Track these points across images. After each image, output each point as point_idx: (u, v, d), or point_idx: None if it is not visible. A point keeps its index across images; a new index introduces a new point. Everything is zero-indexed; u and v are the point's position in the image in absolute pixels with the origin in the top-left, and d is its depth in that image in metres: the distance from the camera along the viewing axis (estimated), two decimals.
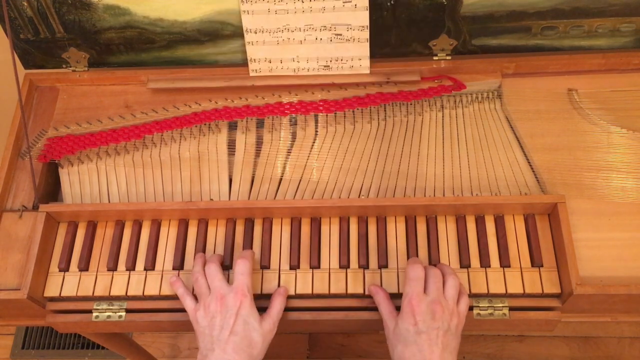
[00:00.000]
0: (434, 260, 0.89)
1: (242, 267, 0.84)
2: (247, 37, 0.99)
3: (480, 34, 1.00)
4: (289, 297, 0.89)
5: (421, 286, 0.80)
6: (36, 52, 1.06)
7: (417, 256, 0.89)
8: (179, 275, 0.91)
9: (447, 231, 0.91)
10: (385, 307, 0.83)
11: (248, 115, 1.02)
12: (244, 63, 1.03)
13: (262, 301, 0.86)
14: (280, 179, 0.97)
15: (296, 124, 1.02)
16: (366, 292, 0.87)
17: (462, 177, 0.95)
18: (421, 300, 0.78)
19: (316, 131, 1.01)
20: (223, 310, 0.81)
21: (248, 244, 0.92)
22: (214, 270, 0.85)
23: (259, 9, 0.96)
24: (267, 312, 0.84)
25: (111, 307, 0.90)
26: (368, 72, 1.02)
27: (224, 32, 1.01)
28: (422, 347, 0.76)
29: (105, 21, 1.00)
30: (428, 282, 0.81)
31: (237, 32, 1.00)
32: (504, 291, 0.86)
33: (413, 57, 1.03)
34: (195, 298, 0.86)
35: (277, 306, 0.85)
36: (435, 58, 1.03)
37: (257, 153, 0.99)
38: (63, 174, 0.99)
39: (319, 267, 0.90)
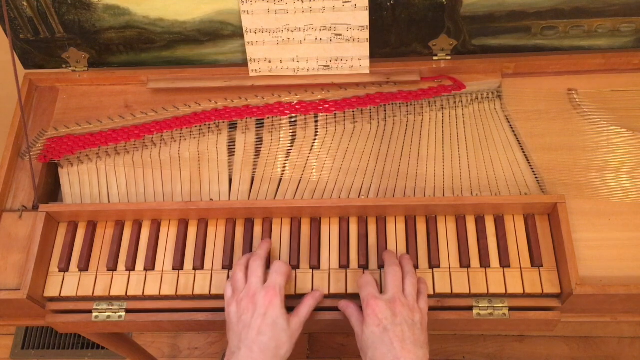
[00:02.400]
0: (434, 260, 0.89)
1: (278, 267, 0.84)
2: (247, 37, 1.00)
3: (480, 34, 1.00)
4: (290, 296, 0.88)
5: (374, 288, 0.81)
6: (36, 52, 1.06)
7: (417, 256, 0.89)
8: (178, 275, 0.91)
9: (447, 231, 0.91)
10: (355, 318, 0.82)
11: (248, 115, 1.02)
12: (244, 63, 1.03)
13: None
14: (280, 179, 0.97)
15: (296, 124, 1.02)
16: (338, 307, 0.86)
17: (462, 177, 0.95)
18: (378, 300, 0.79)
19: (316, 131, 1.01)
20: (252, 308, 0.80)
21: (248, 244, 0.92)
22: (256, 266, 0.84)
23: (259, 9, 0.96)
24: (295, 311, 0.83)
25: (111, 307, 0.90)
26: (368, 72, 1.02)
27: (224, 32, 1.01)
28: (393, 345, 0.76)
29: (105, 21, 1.00)
30: (386, 280, 0.82)
31: (237, 32, 1.00)
32: (503, 291, 0.86)
33: (413, 57, 1.03)
34: None
35: (306, 307, 0.84)
36: (435, 58, 1.03)
37: (257, 153, 0.99)
38: (63, 174, 0.99)
39: (319, 267, 0.90)
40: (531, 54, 1.02)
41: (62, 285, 0.91)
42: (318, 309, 0.88)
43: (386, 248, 0.90)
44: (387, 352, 0.75)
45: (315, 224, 0.93)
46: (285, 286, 0.83)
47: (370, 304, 0.79)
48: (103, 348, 1.72)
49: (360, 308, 0.82)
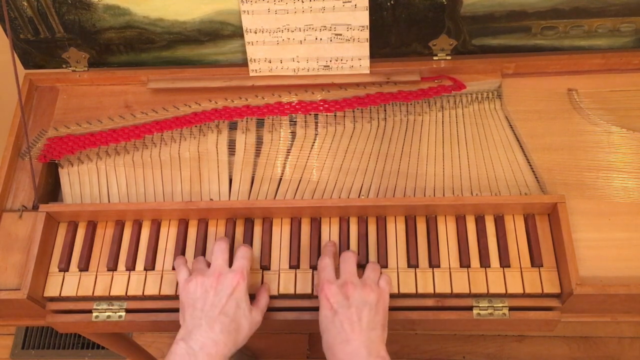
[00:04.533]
0: (434, 260, 0.89)
1: (243, 252, 0.85)
2: (247, 37, 1.00)
3: (480, 34, 1.00)
4: (289, 296, 0.89)
5: (329, 273, 0.82)
6: (36, 52, 1.06)
7: (417, 256, 0.89)
8: None
9: (447, 231, 0.91)
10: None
11: (248, 115, 1.02)
12: (244, 63, 1.03)
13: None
14: (280, 179, 0.97)
15: (296, 124, 1.02)
16: (314, 293, 0.87)
17: (462, 177, 0.95)
18: (331, 284, 0.80)
19: (316, 131, 1.01)
20: (218, 287, 0.80)
21: (248, 244, 0.92)
22: (222, 248, 0.85)
23: (259, 9, 0.96)
24: (255, 304, 0.84)
25: (111, 307, 0.90)
26: (368, 72, 1.02)
27: (224, 32, 1.01)
28: (343, 327, 0.76)
29: (105, 21, 1.00)
30: (340, 266, 0.84)
31: (237, 32, 1.00)
32: (503, 291, 0.86)
33: (413, 57, 1.03)
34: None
35: (263, 299, 0.85)
36: (435, 58, 1.03)
37: (257, 153, 0.99)
38: (63, 174, 0.99)
39: None
40: (531, 54, 1.02)
41: (62, 285, 0.91)
42: (318, 309, 0.88)
43: (386, 248, 0.90)
44: (337, 335, 0.76)
45: (315, 224, 0.93)
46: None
47: (324, 289, 0.80)
48: (103, 348, 1.72)
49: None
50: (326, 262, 0.84)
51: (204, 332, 0.77)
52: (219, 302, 0.79)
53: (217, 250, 0.85)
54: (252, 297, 0.86)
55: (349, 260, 0.84)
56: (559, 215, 0.87)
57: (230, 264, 0.85)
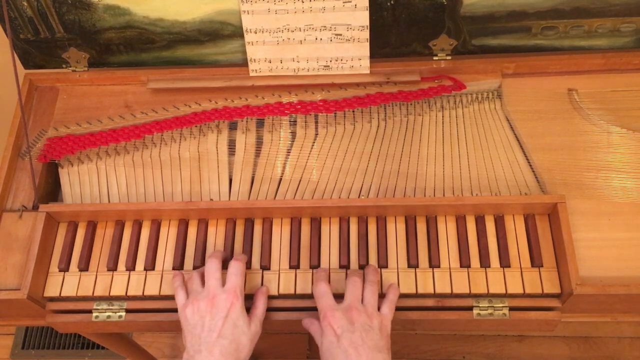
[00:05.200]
0: (434, 260, 0.89)
1: (235, 269, 0.84)
2: (247, 37, 1.00)
3: (480, 34, 1.00)
4: (290, 296, 0.89)
5: (330, 298, 0.82)
6: (36, 52, 1.06)
7: (417, 256, 0.89)
8: None
9: (447, 231, 0.91)
10: (315, 329, 0.82)
11: (248, 115, 1.02)
12: (244, 63, 1.03)
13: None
14: (280, 179, 0.97)
15: (296, 124, 1.02)
16: (303, 325, 0.86)
17: (462, 177, 0.95)
18: (335, 310, 0.79)
19: (316, 131, 1.01)
20: (213, 310, 0.80)
21: (248, 244, 0.92)
22: (213, 267, 0.84)
23: (259, 9, 0.96)
24: (252, 313, 0.84)
25: (111, 307, 0.90)
26: (368, 72, 1.02)
27: (224, 32, 1.01)
28: (348, 352, 0.76)
29: (105, 21, 1.00)
30: (346, 290, 0.83)
31: (237, 32, 1.00)
32: (504, 291, 0.86)
33: (413, 57, 1.03)
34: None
35: (261, 306, 0.85)
36: (435, 58, 1.03)
37: (257, 153, 0.99)
38: (63, 174, 0.99)
39: (319, 267, 0.90)
40: (531, 54, 1.02)
41: (62, 285, 0.91)
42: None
43: (386, 248, 0.90)
44: None
45: (315, 224, 0.93)
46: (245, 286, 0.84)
47: (327, 316, 0.79)
48: (103, 348, 1.73)
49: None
50: (323, 289, 0.83)
51: (204, 357, 0.77)
52: (215, 325, 0.79)
53: (210, 270, 0.84)
54: (251, 298, 0.87)
55: (356, 285, 0.83)
56: (559, 215, 0.87)
57: (225, 266, 0.86)
